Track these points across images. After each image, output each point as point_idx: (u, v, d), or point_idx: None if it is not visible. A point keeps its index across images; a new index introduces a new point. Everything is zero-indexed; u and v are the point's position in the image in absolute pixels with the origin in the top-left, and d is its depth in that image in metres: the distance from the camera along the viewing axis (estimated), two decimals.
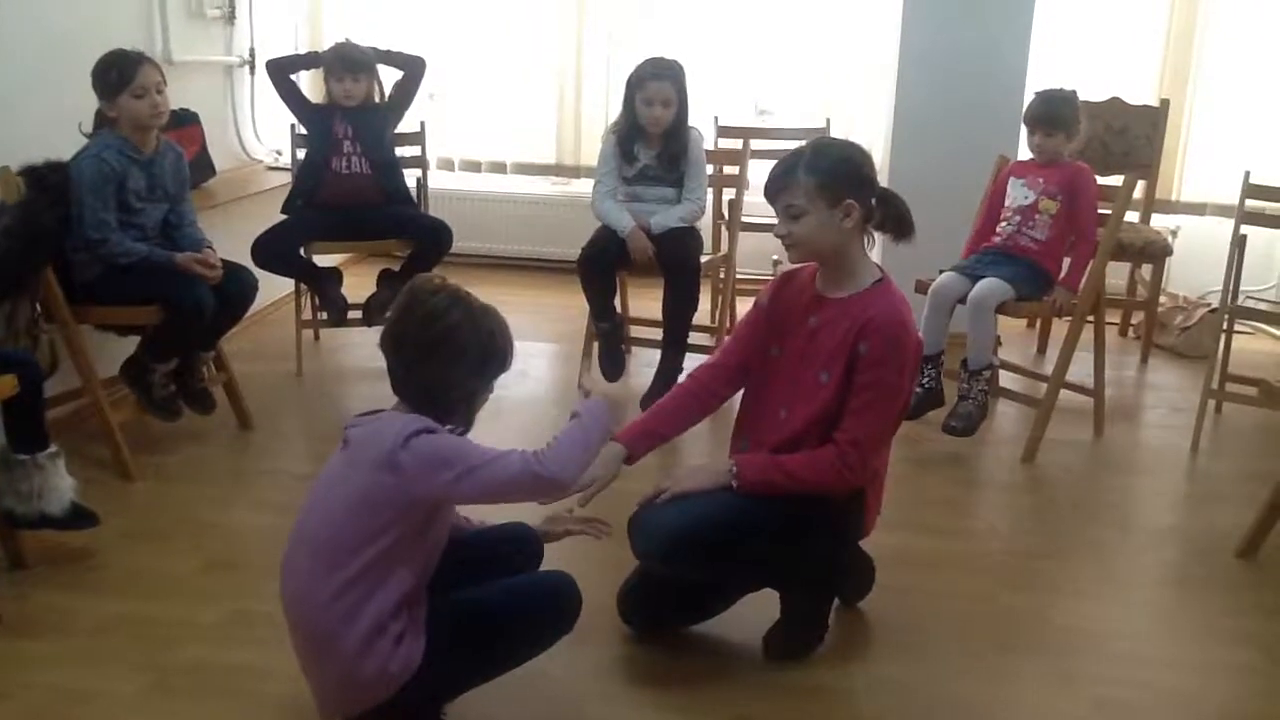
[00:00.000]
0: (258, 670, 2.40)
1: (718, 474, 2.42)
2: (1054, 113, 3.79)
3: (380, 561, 1.98)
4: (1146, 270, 4.95)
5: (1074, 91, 3.86)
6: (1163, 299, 5.00)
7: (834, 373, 2.37)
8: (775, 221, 2.43)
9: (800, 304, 2.49)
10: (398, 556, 1.99)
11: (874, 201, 2.41)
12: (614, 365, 4.21)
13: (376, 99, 4.38)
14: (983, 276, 3.73)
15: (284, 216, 4.26)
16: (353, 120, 4.27)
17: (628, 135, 4.05)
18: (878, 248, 2.51)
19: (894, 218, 2.44)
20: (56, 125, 3.37)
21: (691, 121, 4.09)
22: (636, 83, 3.98)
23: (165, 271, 3.38)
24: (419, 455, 1.94)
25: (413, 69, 4.41)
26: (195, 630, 2.59)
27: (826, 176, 2.34)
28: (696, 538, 2.34)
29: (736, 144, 4.69)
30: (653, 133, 4.02)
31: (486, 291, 2.12)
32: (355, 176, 4.25)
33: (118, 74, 3.29)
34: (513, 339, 2.10)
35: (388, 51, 4.43)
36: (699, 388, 2.59)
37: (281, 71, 4.33)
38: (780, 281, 2.57)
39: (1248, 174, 3.79)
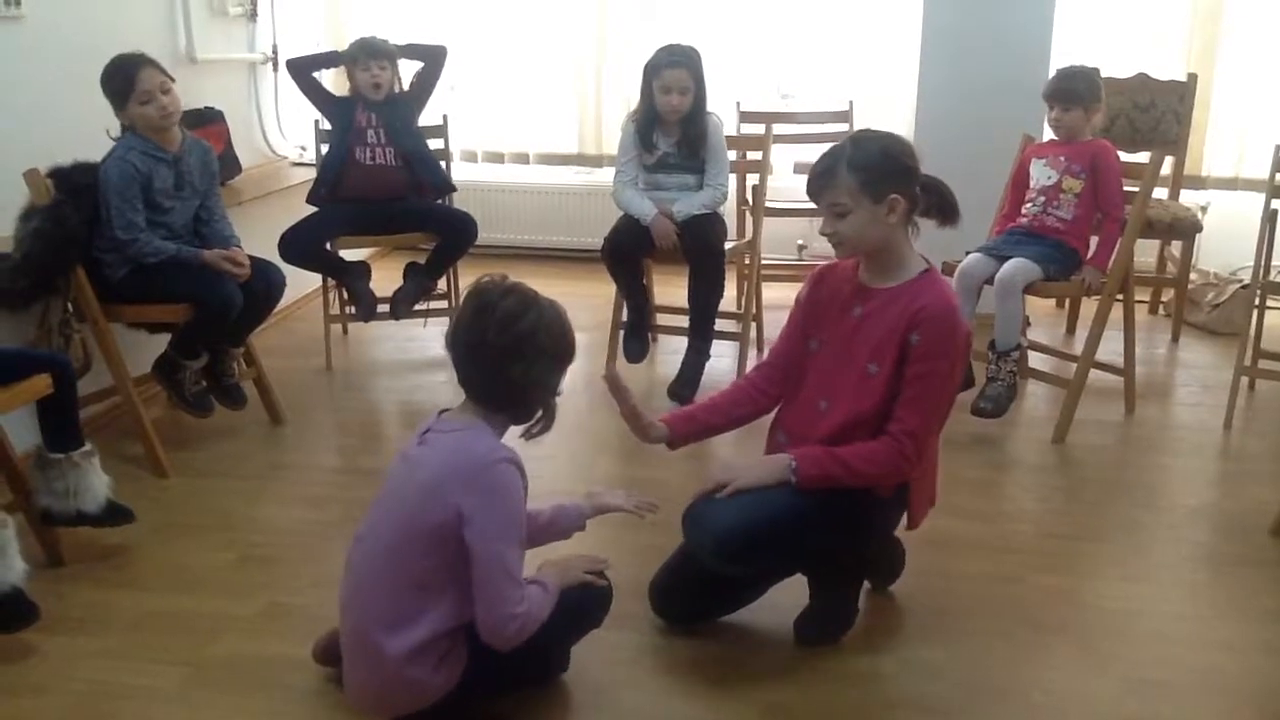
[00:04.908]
0: (294, 662, 2.42)
1: (777, 468, 2.38)
2: (1070, 87, 3.77)
3: (438, 579, 2.00)
4: (1176, 247, 4.89)
5: (1095, 68, 3.83)
6: (1193, 276, 4.94)
7: (884, 363, 2.36)
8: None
9: (842, 295, 2.48)
10: (455, 579, 2.00)
11: (918, 190, 2.39)
12: (638, 346, 4.22)
13: (398, 90, 4.40)
14: (1009, 257, 3.70)
15: (311, 210, 4.29)
16: (377, 110, 4.28)
17: (646, 123, 4.05)
18: None
19: (939, 204, 2.43)
20: (85, 127, 3.40)
21: (713, 107, 4.08)
22: (653, 70, 3.97)
23: (194, 269, 3.42)
24: (493, 481, 1.97)
25: (434, 58, 4.43)
26: (231, 623, 2.62)
27: (869, 173, 2.32)
28: (758, 536, 2.34)
29: (759, 129, 4.66)
30: (671, 120, 4.01)
31: None
32: (380, 168, 4.27)
33: (121, 81, 3.31)
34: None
35: (408, 45, 4.45)
36: (749, 385, 2.59)
37: (301, 70, 4.36)
38: (819, 275, 2.56)
39: (1278, 148, 3.74)
